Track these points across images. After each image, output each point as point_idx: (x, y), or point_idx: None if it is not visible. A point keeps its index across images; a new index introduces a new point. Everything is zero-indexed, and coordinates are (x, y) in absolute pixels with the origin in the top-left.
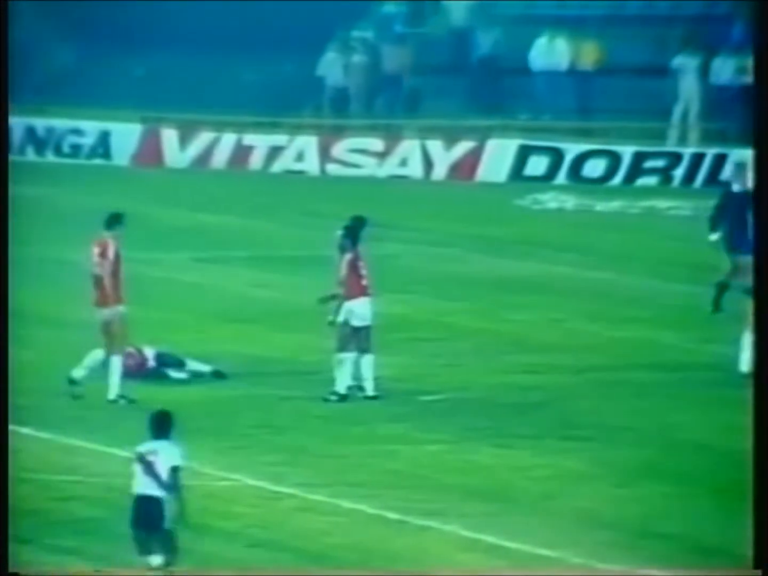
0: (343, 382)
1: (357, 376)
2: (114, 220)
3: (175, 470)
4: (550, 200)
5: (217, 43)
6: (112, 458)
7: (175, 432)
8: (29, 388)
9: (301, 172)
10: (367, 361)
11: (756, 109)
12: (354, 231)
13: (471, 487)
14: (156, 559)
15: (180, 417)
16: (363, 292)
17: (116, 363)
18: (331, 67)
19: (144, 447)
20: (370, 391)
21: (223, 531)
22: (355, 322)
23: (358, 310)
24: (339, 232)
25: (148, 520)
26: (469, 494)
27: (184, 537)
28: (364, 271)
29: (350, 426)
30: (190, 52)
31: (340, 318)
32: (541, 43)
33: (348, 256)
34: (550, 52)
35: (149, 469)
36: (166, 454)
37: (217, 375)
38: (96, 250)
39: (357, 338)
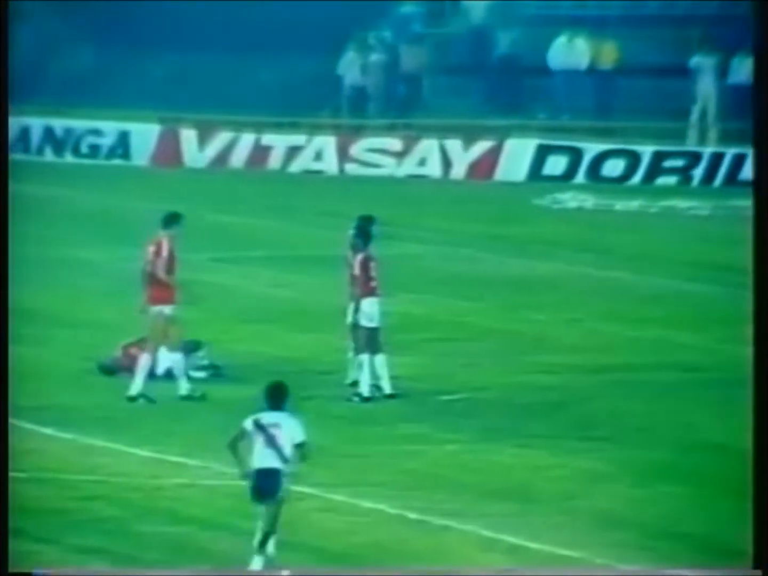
0: (365, 383)
1: (373, 376)
2: (171, 220)
3: (300, 446)
4: (569, 200)
5: (236, 44)
6: (132, 458)
7: (289, 404)
8: (49, 389)
9: (319, 172)
10: (380, 361)
11: (756, 109)
12: (364, 230)
13: (490, 487)
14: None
15: (199, 416)
16: (371, 292)
17: (146, 362)
18: (350, 66)
19: (265, 418)
20: (387, 389)
21: (244, 530)
22: (364, 322)
23: (366, 310)
24: (350, 232)
25: (268, 492)
26: (488, 494)
27: (204, 537)
28: (374, 272)
29: (370, 426)
30: (209, 53)
31: (350, 319)
32: (560, 42)
33: (360, 256)
34: (569, 51)
35: (272, 441)
36: (288, 427)
37: (214, 368)
38: (151, 249)
39: (367, 339)
